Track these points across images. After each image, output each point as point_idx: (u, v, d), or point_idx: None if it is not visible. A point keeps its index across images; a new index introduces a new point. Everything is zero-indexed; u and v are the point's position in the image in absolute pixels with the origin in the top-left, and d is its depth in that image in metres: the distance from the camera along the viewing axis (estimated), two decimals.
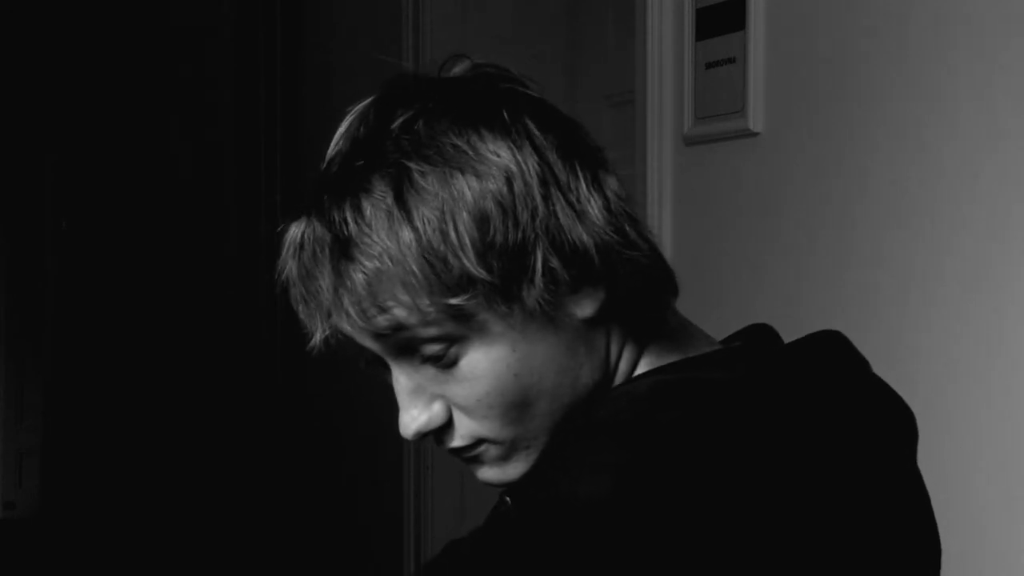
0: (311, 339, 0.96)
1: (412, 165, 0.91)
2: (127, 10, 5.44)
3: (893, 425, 1.03)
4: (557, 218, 0.91)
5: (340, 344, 0.97)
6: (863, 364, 1.05)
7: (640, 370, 1.00)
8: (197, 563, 4.64)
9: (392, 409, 1.01)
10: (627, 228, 0.94)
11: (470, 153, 0.91)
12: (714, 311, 2.54)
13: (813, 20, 2.31)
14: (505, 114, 0.92)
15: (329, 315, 0.94)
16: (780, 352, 1.03)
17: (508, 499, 0.91)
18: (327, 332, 0.95)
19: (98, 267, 5.53)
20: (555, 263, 0.92)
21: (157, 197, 5.29)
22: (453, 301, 0.91)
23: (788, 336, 1.11)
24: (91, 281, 5.55)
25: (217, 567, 4.58)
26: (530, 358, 0.94)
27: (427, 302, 0.91)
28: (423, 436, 0.99)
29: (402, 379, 0.98)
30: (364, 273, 0.92)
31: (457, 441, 0.99)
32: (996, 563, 2.00)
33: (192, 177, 5.09)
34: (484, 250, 0.90)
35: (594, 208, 0.93)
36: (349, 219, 0.92)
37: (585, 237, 0.92)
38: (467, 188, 0.90)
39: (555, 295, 0.93)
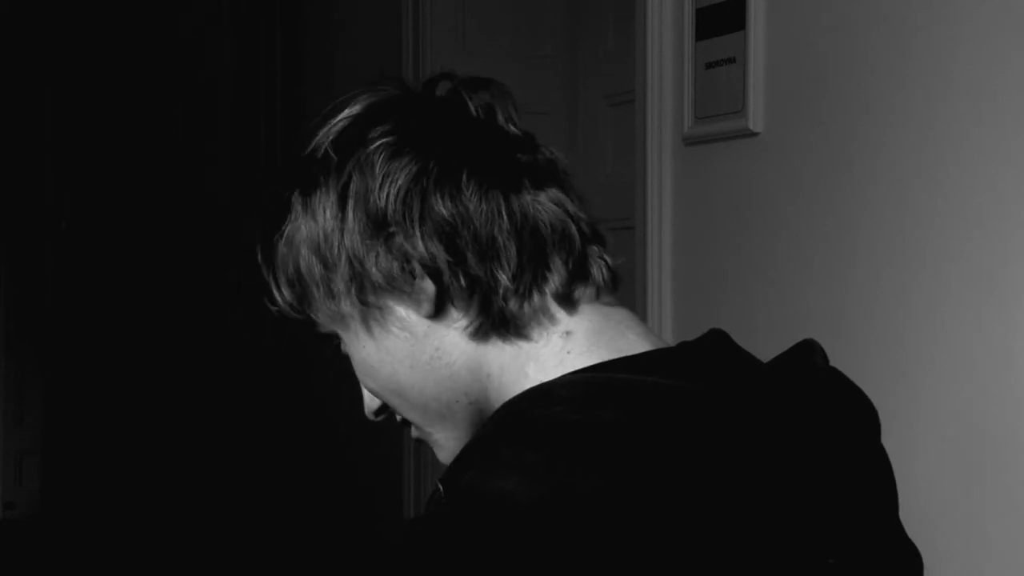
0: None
1: (288, 187, 1.07)
2: (128, 11, 5.44)
3: (852, 415, 1.02)
4: (358, 233, 1.03)
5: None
6: (809, 361, 1.04)
7: (548, 370, 1.02)
8: (198, 562, 4.64)
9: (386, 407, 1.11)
10: (428, 241, 1.01)
11: (313, 180, 1.05)
12: (714, 310, 2.54)
13: (813, 20, 2.31)
14: (330, 150, 1.05)
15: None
16: (716, 352, 1.02)
17: (440, 486, 0.94)
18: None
19: (98, 267, 5.53)
20: (355, 270, 1.03)
21: (157, 197, 5.29)
22: (289, 299, 1.07)
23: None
24: (91, 281, 5.55)
25: (218, 566, 4.58)
26: (380, 352, 1.05)
27: (289, 306, 1.08)
28: (381, 416, 1.12)
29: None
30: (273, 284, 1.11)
31: (398, 419, 1.11)
32: (997, 561, 2.00)
33: (192, 177, 5.09)
34: (308, 260, 1.05)
35: (408, 224, 1.01)
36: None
37: (389, 250, 1.02)
38: (304, 211, 1.05)
39: (372, 296, 1.03)
